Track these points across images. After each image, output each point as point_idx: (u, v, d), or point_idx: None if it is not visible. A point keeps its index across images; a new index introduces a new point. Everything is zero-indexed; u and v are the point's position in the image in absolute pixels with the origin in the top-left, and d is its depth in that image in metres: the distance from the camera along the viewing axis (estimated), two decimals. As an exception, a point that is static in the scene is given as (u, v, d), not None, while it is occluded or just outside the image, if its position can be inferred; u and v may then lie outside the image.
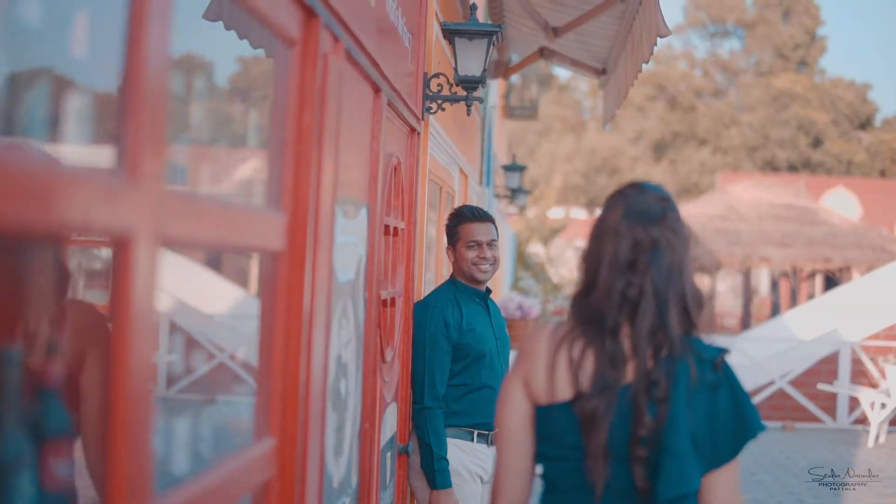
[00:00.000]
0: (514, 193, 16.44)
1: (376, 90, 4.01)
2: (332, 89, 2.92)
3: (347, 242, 3.57)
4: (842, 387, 16.03)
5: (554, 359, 2.76)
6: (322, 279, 2.92)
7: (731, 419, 2.69)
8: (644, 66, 6.62)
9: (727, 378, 2.71)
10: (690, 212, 27.13)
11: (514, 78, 19.41)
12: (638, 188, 2.85)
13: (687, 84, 58.15)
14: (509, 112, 18.83)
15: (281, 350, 2.69)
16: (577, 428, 2.70)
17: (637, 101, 57.07)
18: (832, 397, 16.51)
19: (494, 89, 13.52)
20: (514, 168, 15.88)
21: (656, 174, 55.51)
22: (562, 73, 59.02)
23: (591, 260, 2.81)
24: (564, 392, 2.73)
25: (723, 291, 41.54)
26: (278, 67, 2.70)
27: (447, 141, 7.15)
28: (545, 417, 2.78)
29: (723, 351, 2.74)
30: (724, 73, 59.60)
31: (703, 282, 35.19)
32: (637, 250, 2.73)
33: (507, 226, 22.51)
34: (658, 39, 5.81)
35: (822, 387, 16.09)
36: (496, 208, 16.07)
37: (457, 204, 8.14)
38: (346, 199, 3.49)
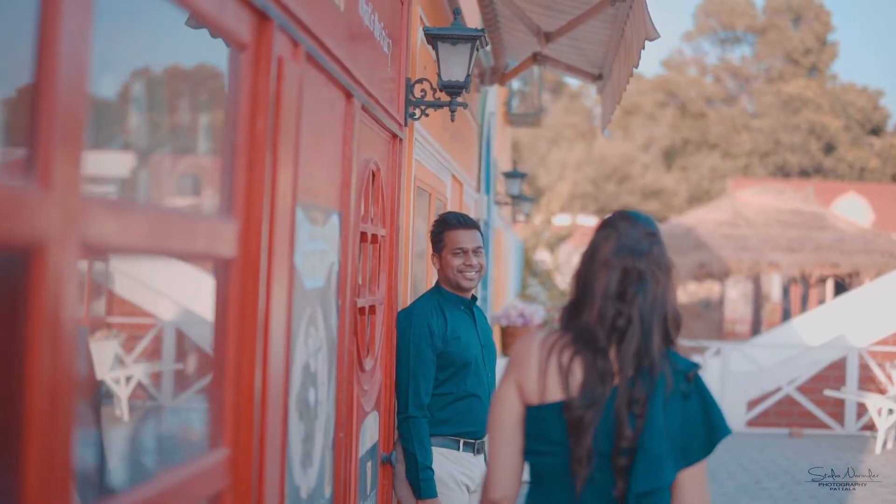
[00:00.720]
0: (515, 200, 16.39)
1: (348, 95, 3.96)
2: (288, 93, 2.87)
3: (316, 250, 3.53)
4: (849, 393, 15.93)
5: (546, 364, 3.06)
6: (280, 286, 2.87)
7: (702, 424, 3.03)
8: (635, 70, 6.57)
9: (698, 388, 3.06)
10: (698, 218, 27.04)
11: (524, 85, 19.38)
12: (629, 220, 3.17)
13: (698, 91, 58.04)
14: (512, 119, 18.76)
15: (234, 358, 2.65)
16: (565, 428, 3.01)
17: (647, 108, 56.98)
18: (840, 403, 16.41)
19: (493, 96, 13.46)
20: (514, 175, 15.81)
21: (667, 181, 55.41)
22: (572, 80, 58.93)
23: (583, 283, 3.13)
24: (554, 394, 3.04)
25: (734, 298, 41.40)
26: (230, 72, 2.65)
27: (436, 147, 7.11)
28: (535, 417, 3.07)
29: (695, 366, 3.09)
30: (735, 79, 59.48)
31: (712, 288, 35.12)
32: (626, 282, 3.06)
33: (512, 233, 22.45)
34: (647, 43, 5.77)
35: (828, 393, 15.98)
36: (498, 215, 16.01)
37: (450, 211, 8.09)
38: (312, 205, 3.44)
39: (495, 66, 10.80)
